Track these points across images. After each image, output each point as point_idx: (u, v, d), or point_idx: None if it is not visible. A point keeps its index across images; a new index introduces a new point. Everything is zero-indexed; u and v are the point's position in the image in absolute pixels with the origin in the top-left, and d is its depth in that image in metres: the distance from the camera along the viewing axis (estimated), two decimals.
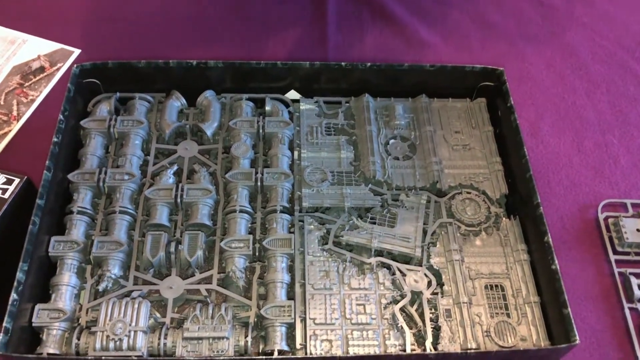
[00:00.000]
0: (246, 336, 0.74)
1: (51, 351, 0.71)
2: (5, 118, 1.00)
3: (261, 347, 0.75)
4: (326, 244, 0.82)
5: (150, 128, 0.91)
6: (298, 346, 0.74)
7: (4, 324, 0.68)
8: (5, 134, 0.98)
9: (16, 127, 0.99)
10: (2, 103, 1.02)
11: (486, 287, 0.80)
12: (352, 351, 0.74)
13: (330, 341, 0.75)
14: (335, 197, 0.86)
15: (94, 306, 0.76)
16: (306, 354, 0.74)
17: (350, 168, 0.89)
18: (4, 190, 0.77)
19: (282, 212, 0.83)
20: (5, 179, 0.78)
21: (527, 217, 0.85)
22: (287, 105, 0.96)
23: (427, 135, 0.93)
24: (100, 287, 0.76)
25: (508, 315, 0.78)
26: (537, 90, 1.11)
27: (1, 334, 0.67)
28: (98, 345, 0.71)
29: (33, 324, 0.73)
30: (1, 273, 0.75)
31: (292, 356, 0.73)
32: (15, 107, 1.02)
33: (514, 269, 0.82)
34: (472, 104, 0.98)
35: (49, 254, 0.78)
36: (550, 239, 0.78)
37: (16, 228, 0.76)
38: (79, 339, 0.72)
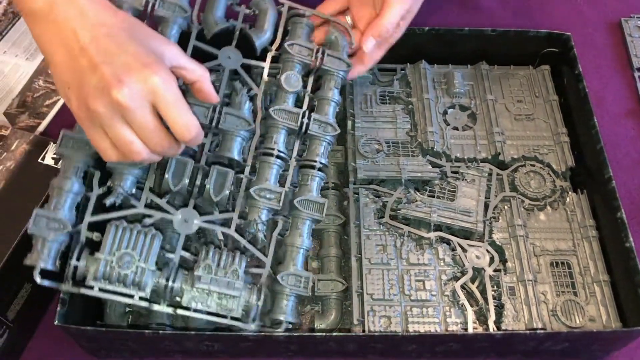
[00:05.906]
0: (258, 300, 0.67)
1: (43, 266, 0.63)
2: (53, 87, 0.99)
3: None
4: (382, 217, 0.79)
5: (192, 19, 0.75)
6: (355, 322, 0.72)
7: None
8: (54, 103, 0.97)
9: None
10: (49, 72, 1.00)
11: (552, 264, 0.77)
12: (412, 328, 0.72)
13: (388, 317, 0.72)
14: (391, 168, 0.82)
15: (97, 221, 0.67)
16: (364, 330, 0.71)
17: (406, 138, 0.86)
18: (57, 160, 0.76)
19: (319, 169, 0.75)
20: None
21: (596, 192, 0.80)
22: None
23: (488, 105, 0.89)
24: (108, 202, 0.67)
25: (575, 294, 0.74)
26: (601, 58, 1.04)
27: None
28: (100, 273, 0.63)
29: (29, 231, 0.64)
30: None
31: (361, 333, 0.70)
32: None
33: (581, 246, 0.78)
34: (535, 72, 0.93)
35: (56, 152, 0.70)
36: (624, 215, 0.73)
37: None
38: (78, 259, 0.63)
